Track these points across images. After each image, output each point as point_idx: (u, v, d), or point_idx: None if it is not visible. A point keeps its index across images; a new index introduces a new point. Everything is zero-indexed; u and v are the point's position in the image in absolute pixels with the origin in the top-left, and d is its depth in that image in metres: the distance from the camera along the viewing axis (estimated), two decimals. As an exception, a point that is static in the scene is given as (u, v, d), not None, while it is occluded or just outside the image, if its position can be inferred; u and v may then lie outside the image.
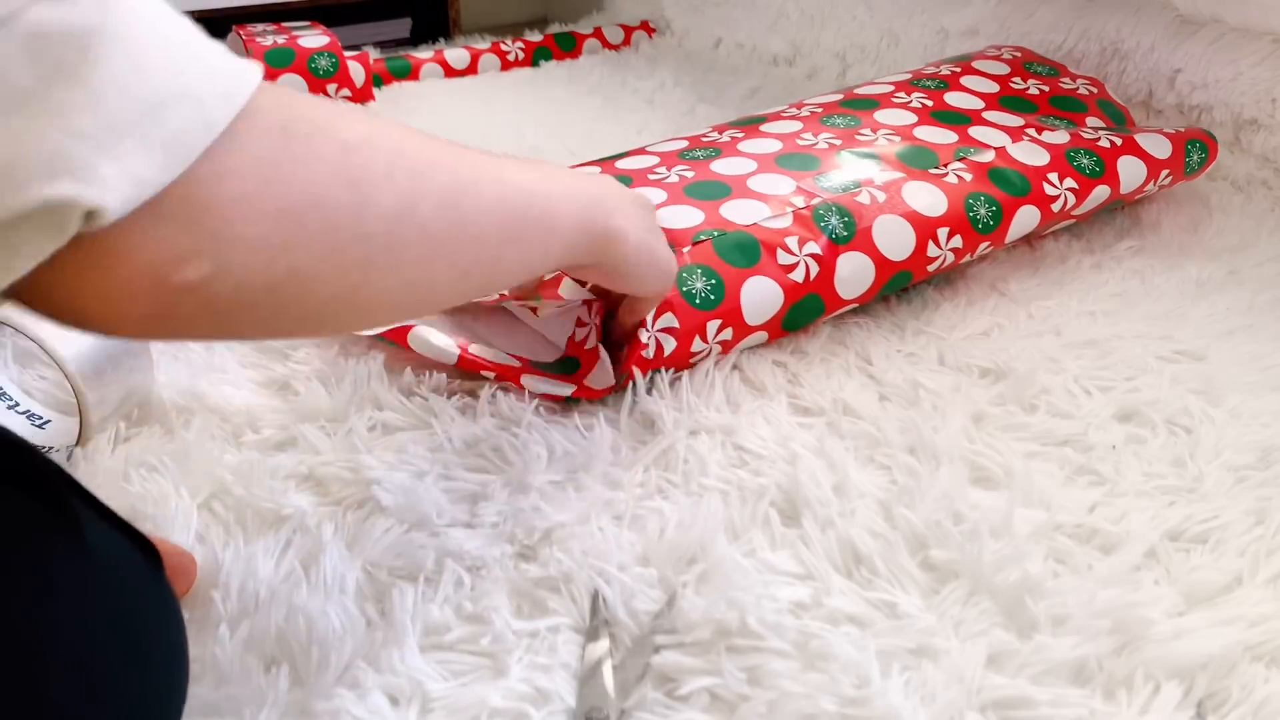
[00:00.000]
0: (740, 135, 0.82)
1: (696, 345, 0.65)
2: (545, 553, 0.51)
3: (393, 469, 0.57)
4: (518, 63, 1.56)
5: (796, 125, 0.83)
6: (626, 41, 1.68)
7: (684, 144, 0.82)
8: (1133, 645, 0.45)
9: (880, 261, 0.70)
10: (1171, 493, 0.56)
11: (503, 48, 1.56)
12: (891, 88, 0.90)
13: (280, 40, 1.32)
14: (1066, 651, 0.44)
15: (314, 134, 0.33)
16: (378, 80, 1.43)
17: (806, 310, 0.69)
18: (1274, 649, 0.45)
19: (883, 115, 0.84)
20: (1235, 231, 0.89)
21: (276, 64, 1.29)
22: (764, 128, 0.83)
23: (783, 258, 0.67)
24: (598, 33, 1.65)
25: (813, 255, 0.68)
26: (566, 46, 1.61)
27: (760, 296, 0.66)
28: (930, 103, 0.86)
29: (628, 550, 0.51)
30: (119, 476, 0.57)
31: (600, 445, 0.59)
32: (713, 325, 0.65)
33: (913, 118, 0.83)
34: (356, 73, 1.34)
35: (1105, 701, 0.43)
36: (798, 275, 0.67)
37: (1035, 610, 0.47)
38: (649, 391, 0.63)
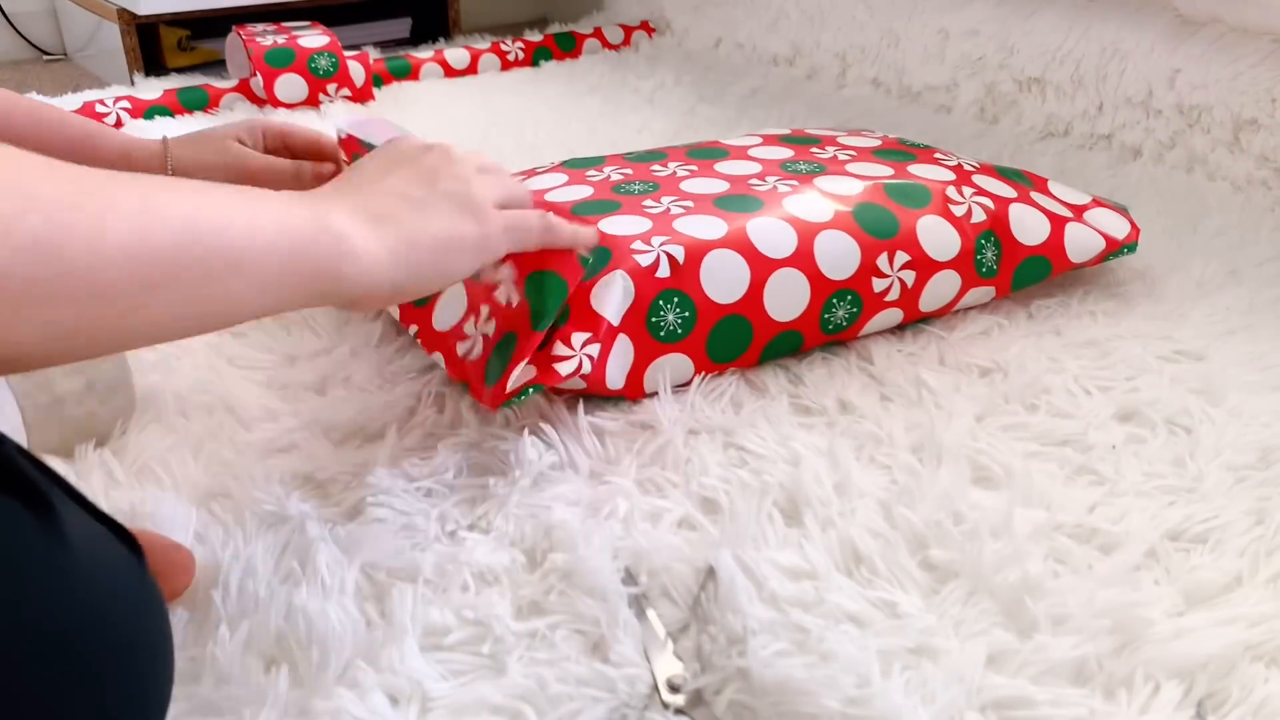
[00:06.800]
0: (694, 169, 0.76)
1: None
2: (544, 552, 0.51)
3: (393, 470, 0.57)
4: (518, 63, 1.56)
5: (755, 167, 0.76)
6: (626, 41, 1.68)
7: (629, 172, 0.76)
8: (1133, 645, 0.45)
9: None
10: (1171, 493, 0.56)
11: (503, 48, 1.56)
12: (854, 154, 0.80)
13: (280, 40, 1.32)
14: (1066, 651, 0.44)
15: None
16: (378, 80, 1.43)
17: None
18: (1274, 649, 0.45)
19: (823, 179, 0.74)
20: (1235, 231, 0.89)
21: (276, 64, 1.29)
22: (717, 166, 0.76)
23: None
24: (598, 33, 1.65)
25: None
26: (566, 46, 1.62)
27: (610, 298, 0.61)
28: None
29: (628, 550, 0.51)
30: (120, 476, 0.57)
31: (600, 444, 0.59)
32: (580, 337, 0.60)
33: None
34: (356, 73, 1.34)
35: (1105, 701, 0.43)
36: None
37: (1035, 610, 0.47)
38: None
